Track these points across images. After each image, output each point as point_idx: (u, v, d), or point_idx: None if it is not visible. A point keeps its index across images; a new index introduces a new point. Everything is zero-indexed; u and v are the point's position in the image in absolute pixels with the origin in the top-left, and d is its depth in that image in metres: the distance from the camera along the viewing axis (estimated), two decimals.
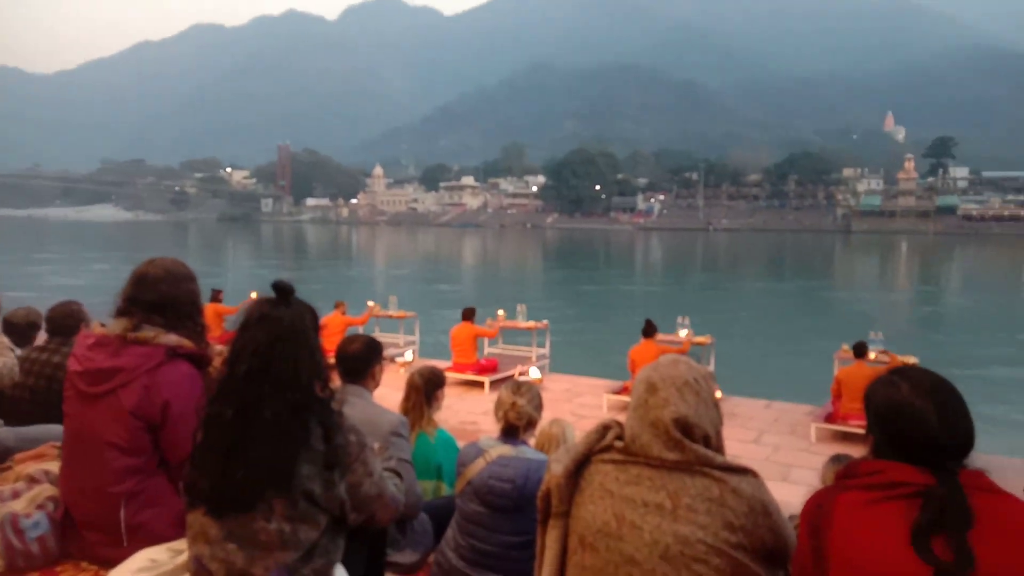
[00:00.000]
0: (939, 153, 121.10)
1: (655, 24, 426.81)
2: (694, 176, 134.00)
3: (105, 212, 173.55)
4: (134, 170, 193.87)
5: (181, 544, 1.92)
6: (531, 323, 11.15)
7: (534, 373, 9.80)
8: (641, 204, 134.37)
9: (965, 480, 1.32)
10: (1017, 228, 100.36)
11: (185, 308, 2.40)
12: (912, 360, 8.85)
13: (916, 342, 18.88)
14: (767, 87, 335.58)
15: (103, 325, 2.39)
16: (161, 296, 2.35)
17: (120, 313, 2.36)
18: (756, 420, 8.47)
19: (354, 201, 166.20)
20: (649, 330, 8.76)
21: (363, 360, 2.83)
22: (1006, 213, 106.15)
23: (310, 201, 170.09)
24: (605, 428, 1.68)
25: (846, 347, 8.70)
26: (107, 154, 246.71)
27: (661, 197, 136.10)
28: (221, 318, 10.85)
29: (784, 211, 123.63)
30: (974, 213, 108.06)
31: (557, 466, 1.65)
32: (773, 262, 59.00)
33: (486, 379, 9.45)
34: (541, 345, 11.29)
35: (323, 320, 10.42)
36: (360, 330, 11.89)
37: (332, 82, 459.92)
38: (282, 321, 1.77)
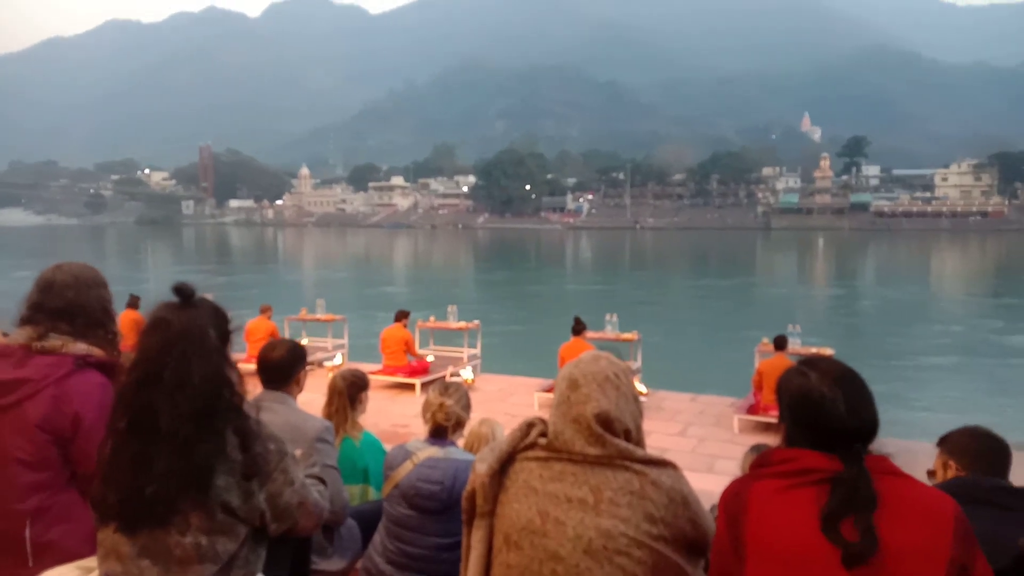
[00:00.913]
0: (853, 152, 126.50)
1: (581, 23, 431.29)
2: (621, 176, 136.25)
3: (15, 216, 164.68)
4: (46, 172, 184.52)
5: (92, 562, 1.85)
6: (462, 324, 11.13)
7: (466, 374, 9.80)
8: (570, 204, 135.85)
9: (870, 465, 1.38)
10: (924, 223, 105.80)
11: (95, 315, 2.30)
12: (828, 352, 9.25)
13: (833, 334, 19.70)
14: (689, 86, 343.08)
15: (6, 335, 2.27)
16: (69, 303, 2.25)
17: (24, 321, 2.24)
18: (682, 413, 8.68)
19: (280, 202, 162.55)
20: (578, 328, 8.89)
21: (286, 367, 2.76)
22: (914, 209, 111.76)
23: (234, 203, 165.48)
24: (529, 426, 1.69)
25: (766, 340, 9.00)
26: (16, 156, 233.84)
27: (589, 197, 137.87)
28: (139, 325, 10.43)
29: (707, 209, 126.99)
30: (885, 210, 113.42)
31: (481, 466, 1.65)
32: (698, 259, 60.52)
33: (417, 381, 9.41)
34: (473, 346, 11.30)
35: (248, 325, 10.23)
36: (287, 334, 11.67)
37: (255, 80, 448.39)
38: (173, 325, 1.70)
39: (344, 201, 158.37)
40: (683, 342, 20.14)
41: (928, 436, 2.33)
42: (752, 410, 7.98)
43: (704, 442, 7.59)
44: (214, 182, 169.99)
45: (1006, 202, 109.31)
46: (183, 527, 1.64)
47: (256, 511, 1.71)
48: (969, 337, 21.91)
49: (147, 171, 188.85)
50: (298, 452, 2.09)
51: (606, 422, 1.58)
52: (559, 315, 12.97)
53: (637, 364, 10.12)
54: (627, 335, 10.23)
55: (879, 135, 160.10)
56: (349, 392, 3.38)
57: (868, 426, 1.43)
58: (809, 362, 1.52)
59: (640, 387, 9.05)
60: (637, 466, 1.56)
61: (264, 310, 10.54)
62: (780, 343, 8.25)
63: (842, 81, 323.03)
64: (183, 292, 1.77)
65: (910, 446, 6.95)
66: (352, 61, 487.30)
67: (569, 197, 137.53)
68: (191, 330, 1.71)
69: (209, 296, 1.86)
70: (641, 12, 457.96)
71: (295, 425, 2.60)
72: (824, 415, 1.42)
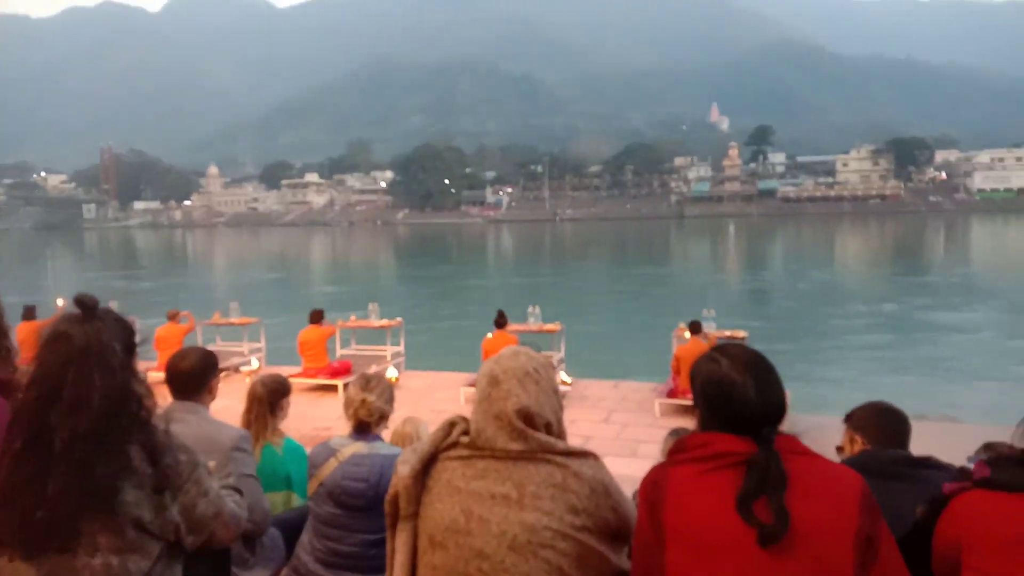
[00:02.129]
0: (759, 141, 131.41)
1: (493, 19, 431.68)
2: (539, 169, 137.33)
3: None
4: None
5: None
6: (384, 321, 10.99)
7: (391, 373, 9.70)
8: (490, 197, 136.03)
9: (781, 445, 1.42)
10: (827, 207, 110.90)
11: None
12: (742, 334, 9.58)
13: (746, 316, 20.43)
14: (601, 80, 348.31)
15: None
16: None
17: None
18: (606, 400, 8.83)
19: (188, 203, 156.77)
20: (500, 321, 8.92)
21: (197, 376, 2.66)
22: (818, 194, 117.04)
23: (138, 205, 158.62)
24: (451, 425, 1.69)
25: (683, 325, 9.24)
26: None
27: (509, 190, 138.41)
28: (37, 337, 9.87)
29: (623, 200, 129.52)
30: (791, 195, 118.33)
31: (404, 468, 1.65)
32: (616, 249, 61.70)
33: (339, 382, 9.24)
34: (396, 344, 11.16)
35: (157, 332, 9.82)
36: (199, 339, 11.27)
37: (157, 78, 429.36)
38: (75, 340, 1.61)
39: (256, 200, 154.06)
40: (605, 330, 20.50)
41: (841, 411, 2.44)
42: (672, 394, 8.19)
43: (627, 427, 7.75)
44: (117, 184, 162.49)
45: (902, 185, 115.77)
46: (91, 548, 1.56)
47: (170, 524, 1.65)
48: (876, 314, 23.12)
49: (43, 174, 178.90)
50: (212, 464, 2.01)
51: (527, 417, 1.59)
52: (482, 309, 12.99)
53: (560, 354, 10.23)
54: (550, 326, 10.32)
55: (783, 125, 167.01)
56: (270, 399, 3.28)
57: (776, 409, 1.48)
58: (720, 348, 1.56)
59: (564, 377, 9.16)
60: (559, 459, 1.57)
61: (172, 316, 10.14)
62: (695, 328, 8.50)
63: (747, 74, 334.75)
64: (85, 304, 1.68)
65: (822, 421, 7.29)
66: (260, 57, 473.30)
67: (489, 191, 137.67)
68: (94, 344, 1.62)
69: (113, 305, 1.81)
70: (552, 8, 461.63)
71: (209, 435, 2.51)
72: (735, 400, 1.46)
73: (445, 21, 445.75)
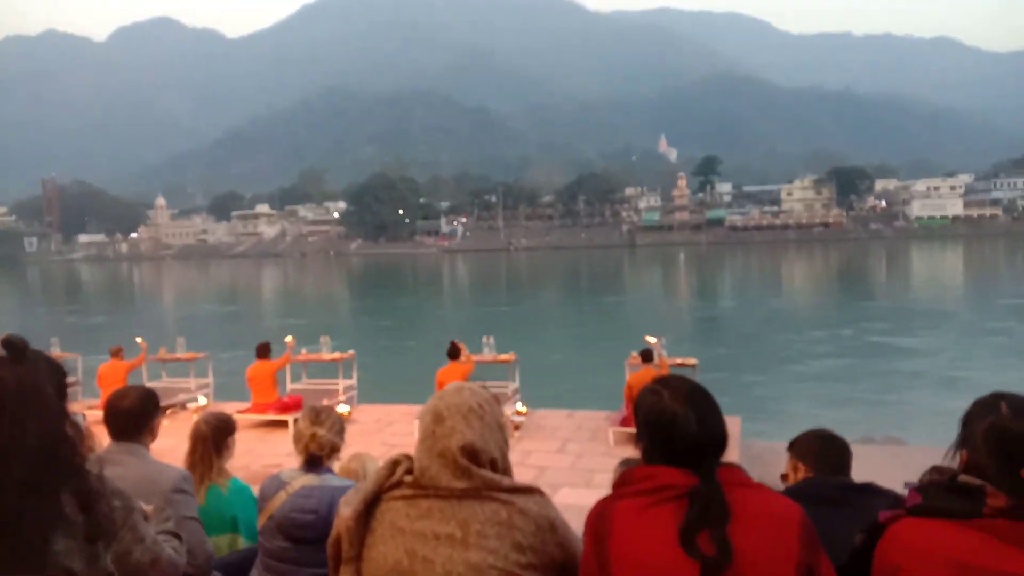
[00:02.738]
0: (706, 171, 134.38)
1: (445, 50, 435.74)
2: (493, 199, 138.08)
3: None
4: None
5: None
6: (336, 354, 10.82)
7: (342, 408, 9.54)
8: (445, 227, 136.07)
9: (723, 477, 1.44)
10: (774, 235, 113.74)
11: None
12: (692, 361, 9.70)
13: (696, 343, 20.74)
14: (552, 112, 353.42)
15: None
16: None
17: None
18: (560, 430, 8.83)
19: (135, 235, 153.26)
20: (453, 352, 8.88)
21: (137, 416, 2.59)
22: (764, 223, 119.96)
23: (83, 237, 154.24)
24: (395, 464, 1.66)
25: (635, 354, 9.33)
26: None
27: (463, 220, 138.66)
28: None
29: (576, 229, 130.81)
30: (739, 224, 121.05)
31: (346, 509, 1.61)
32: (570, 278, 62.15)
33: (289, 417, 9.05)
34: (348, 377, 10.98)
35: (100, 369, 9.52)
36: (144, 375, 10.96)
37: (102, 108, 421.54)
38: (7, 383, 1.50)
39: (205, 232, 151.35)
40: (560, 360, 20.57)
41: (792, 436, 2.49)
42: (625, 422, 8.21)
43: (582, 457, 7.74)
44: (60, 216, 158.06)
45: (844, 213, 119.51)
46: None
47: (103, 574, 1.56)
48: (826, 340, 23.65)
49: None
50: (148, 508, 1.95)
51: (472, 454, 1.57)
52: (437, 339, 12.91)
53: (515, 384, 10.20)
54: (505, 356, 10.30)
55: (728, 154, 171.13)
56: (214, 438, 3.21)
57: (718, 440, 1.48)
58: (662, 381, 1.57)
59: (519, 407, 9.14)
60: (504, 496, 1.56)
61: (115, 352, 9.82)
62: (646, 356, 8.59)
63: (694, 104, 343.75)
64: (13, 346, 1.59)
65: (774, 446, 7.40)
66: (208, 87, 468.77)
67: (443, 221, 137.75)
68: (25, 388, 1.51)
69: (55, 342, 1.74)
70: (505, 39, 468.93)
71: (148, 477, 2.44)
72: (677, 432, 1.47)
73: (398, 51, 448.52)
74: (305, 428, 2.75)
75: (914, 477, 1.60)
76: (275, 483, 2.69)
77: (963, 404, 1.58)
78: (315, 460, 2.74)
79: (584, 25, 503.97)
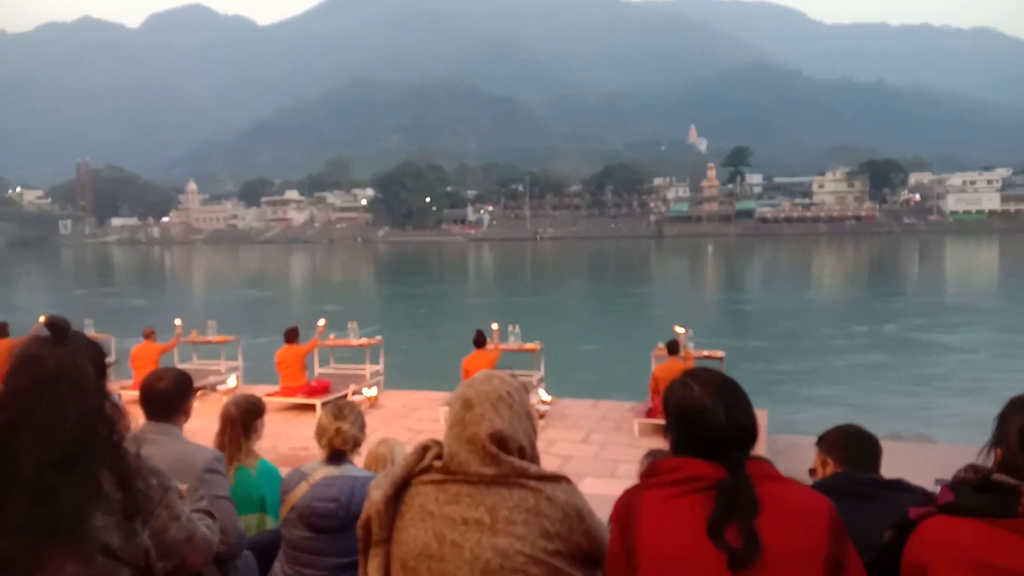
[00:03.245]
0: (736, 162, 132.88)
1: (470, 41, 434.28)
2: (520, 188, 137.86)
3: None
4: None
5: None
6: (363, 340, 10.89)
7: (369, 392, 9.63)
8: (471, 216, 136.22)
9: (752, 470, 1.44)
10: (804, 228, 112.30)
11: None
12: (720, 354, 9.63)
13: (723, 335, 20.56)
14: (578, 102, 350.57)
15: None
16: None
17: None
18: (585, 420, 8.82)
19: (166, 219, 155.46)
20: (480, 340, 8.90)
21: (172, 398, 2.63)
22: (795, 215, 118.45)
23: (116, 221, 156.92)
24: (424, 449, 1.68)
25: (661, 345, 9.26)
26: None
27: (490, 208, 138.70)
28: (9, 354, 9.69)
29: (603, 219, 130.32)
30: (768, 216, 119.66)
31: (376, 492, 1.64)
32: (596, 268, 61.92)
33: (317, 401, 9.15)
34: (375, 362, 11.03)
35: (133, 351, 9.70)
36: (175, 357, 11.14)
37: (135, 94, 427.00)
38: (47, 364, 1.56)
39: (235, 217, 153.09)
40: (585, 349, 20.52)
41: (819, 430, 2.47)
42: (651, 413, 8.19)
43: (606, 447, 7.73)
44: (93, 200, 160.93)
45: (877, 207, 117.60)
46: None
47: (140, 550, 1.60)
48: (856, 333, 23.33)
49: (19, 189, 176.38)
50: (183, 487, 2.00)
51: (500, 441, 1.59)
52: (462, 327, 12.95)
53: (540, 373, 10.20)
54: (530, 345, 10.30)
55: (758, 146, 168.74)
56: (243, 420, 3.26)
57: (747, 433, 1.49)
58: (692, 373, 1.58)
59: (544, 396, 9.15)
60: (532, 483, 1.57)
61: (148, 334, 10.01)
62: (672, 348, 8.53)
63: (723, 96, 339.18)
64: (56, 327, 1.64)
65: (799, 441, 7.33)
66: (239, 75, 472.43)
67: (470, 209, 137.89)
68: (66, 368, 1.57)
69: (89, 323, 1.75)
70: (531, 29, 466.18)
71: (182, 457, 2.48)
72: (706, 425, 1.48)
73: (423, 41, 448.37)
74: (328, 423, 2.80)
75: (942, 475, 1.61)
76: (296, 475, 2.74)
77: (996, 403, 1.63)
78: (338, 454, 2.79)
79: (611, 14, 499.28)
